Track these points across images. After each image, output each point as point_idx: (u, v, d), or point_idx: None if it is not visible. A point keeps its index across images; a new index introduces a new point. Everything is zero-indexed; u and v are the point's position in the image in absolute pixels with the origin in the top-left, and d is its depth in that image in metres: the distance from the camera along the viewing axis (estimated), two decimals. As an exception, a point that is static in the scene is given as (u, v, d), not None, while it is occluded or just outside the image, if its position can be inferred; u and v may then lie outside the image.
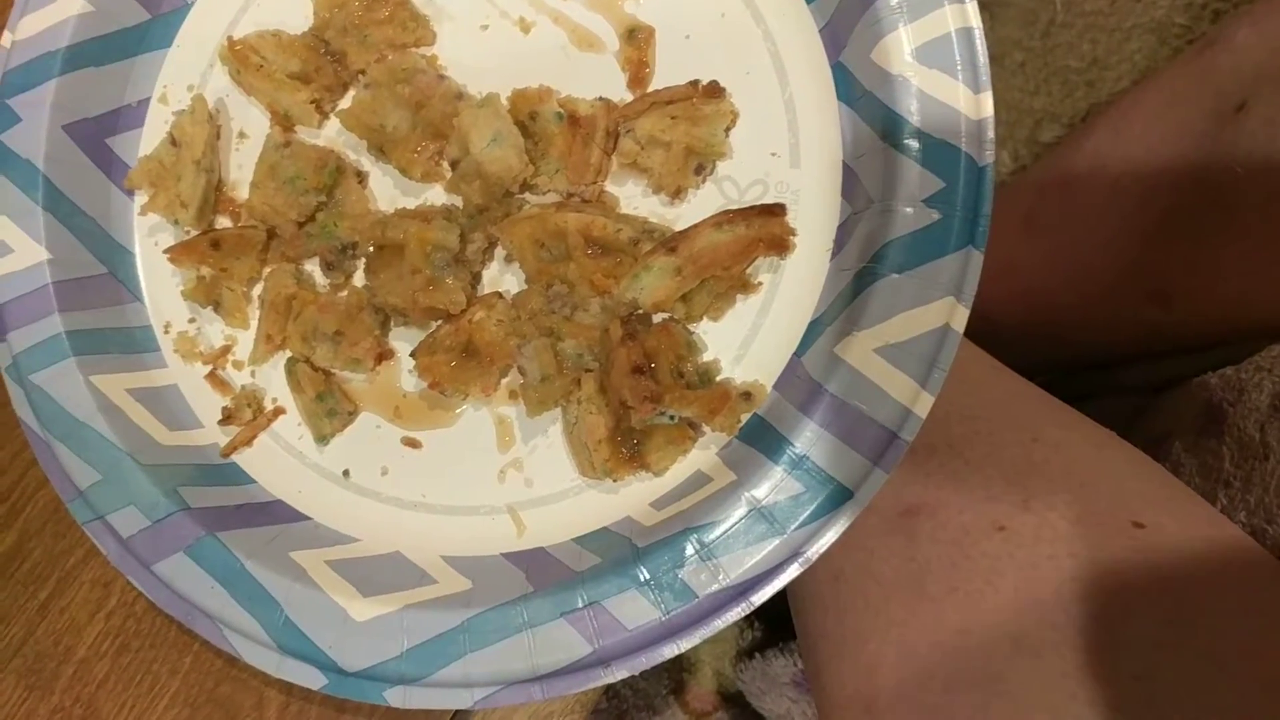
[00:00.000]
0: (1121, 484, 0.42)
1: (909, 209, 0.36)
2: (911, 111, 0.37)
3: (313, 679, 0.39)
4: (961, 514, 0.41)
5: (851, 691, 0.42)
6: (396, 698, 0.38)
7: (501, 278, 0.43)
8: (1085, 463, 0.43)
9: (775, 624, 0.66)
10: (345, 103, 0.45)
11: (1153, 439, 0.55)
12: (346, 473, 0.43)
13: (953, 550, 0.40)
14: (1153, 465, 0.44)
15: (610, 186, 0.42)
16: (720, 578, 0.36)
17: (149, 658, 0.46)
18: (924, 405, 0.36)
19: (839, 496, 0.36)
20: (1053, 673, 0.35)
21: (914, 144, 0.37)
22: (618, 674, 0.37)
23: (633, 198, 0.42)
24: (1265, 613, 0.37)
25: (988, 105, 0.36)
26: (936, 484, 0.43)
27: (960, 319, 0.36)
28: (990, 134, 0.36)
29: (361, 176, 0.44)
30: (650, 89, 0.42)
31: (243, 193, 0.45)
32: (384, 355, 0.43)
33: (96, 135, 0.45)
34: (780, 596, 0.50)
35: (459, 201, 0.43)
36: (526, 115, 0.41)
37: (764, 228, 0.39)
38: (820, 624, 0.45)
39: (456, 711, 0.43)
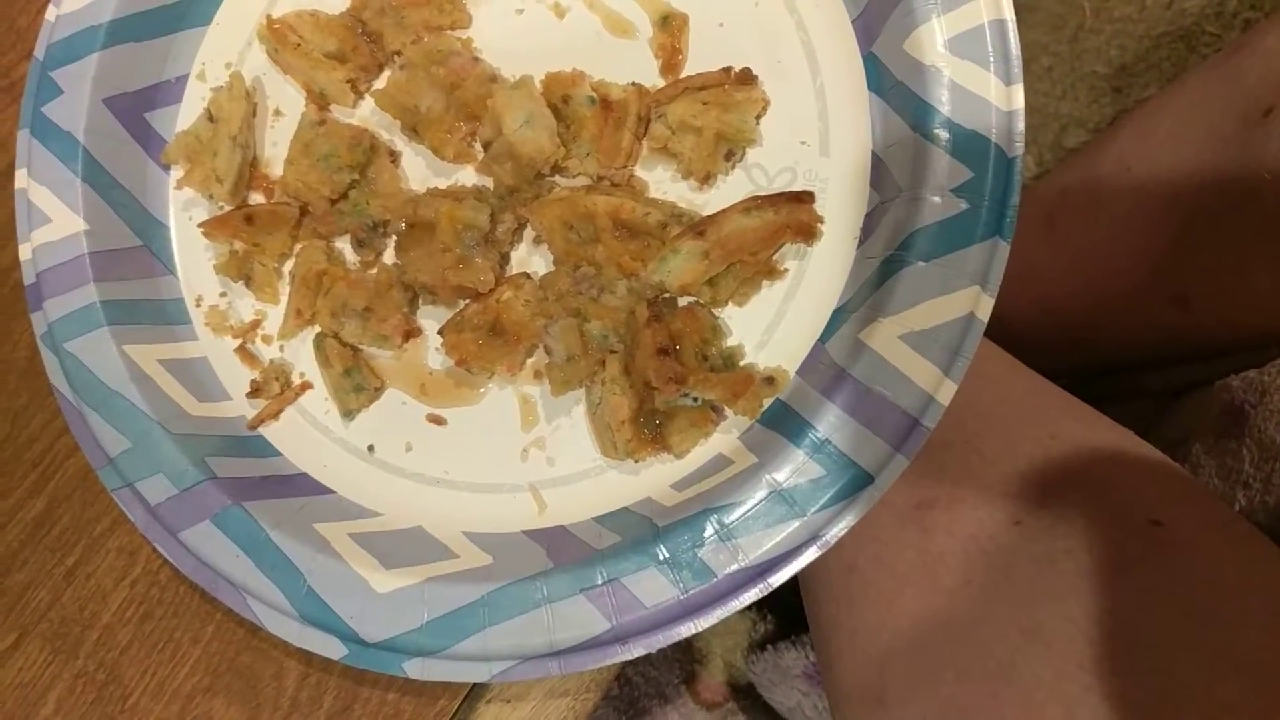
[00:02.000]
0: (1139, 482, 0.42)
1: (937, 198, 0.37)
2: (942, 102, 0.37)
3: (333, 649, 0.39)
4: (977, 508, 0.41)
5: (864, 682, 0.42)
6: (415, 669, 0.38)
7: (530, 258, 0.43)
8: (1103, 460, 0.43)
9: (787, 616, 0.67)
10: (380, 83, 0.46)
11: (1172, 441, 0.55)
12: (371, 448, 0.44)
13: (967, 544, 0.41)
14: (1171, 465, 0.44)
15: (640, 171, 0.42)
16: (739, 558, 0.36)
17: (171, 625, 0.46)
18: (947, 392, 0.36)
19: (860, 481, 0.36)
20: (1068, 665, 0.35)
21: (944, 134, 0.37)
22: (635, 651, 0.37)
23: (662, 182, 0.42)
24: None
25: (1019, 97, 0.37)
26: (953, 478, 0.43)
27: (985, 308, 0.36)
28: (1020, 126, 0.37)
29: (394, 156, 0.45)
30: (682, 75, 0.42)
31: (277, 169, 0.46)
32: (411, 332, 0.44)
33: (135, 109, 0.46)
34: (793, 589, 0.50)
35: (490, 182, 0.43)
36: (559, 98, 0.42)
37: (792, 214, 0.39)
38: (833, 615, 0.45)
39: (474, 685, 0.44)
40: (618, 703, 0.61)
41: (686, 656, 0.66)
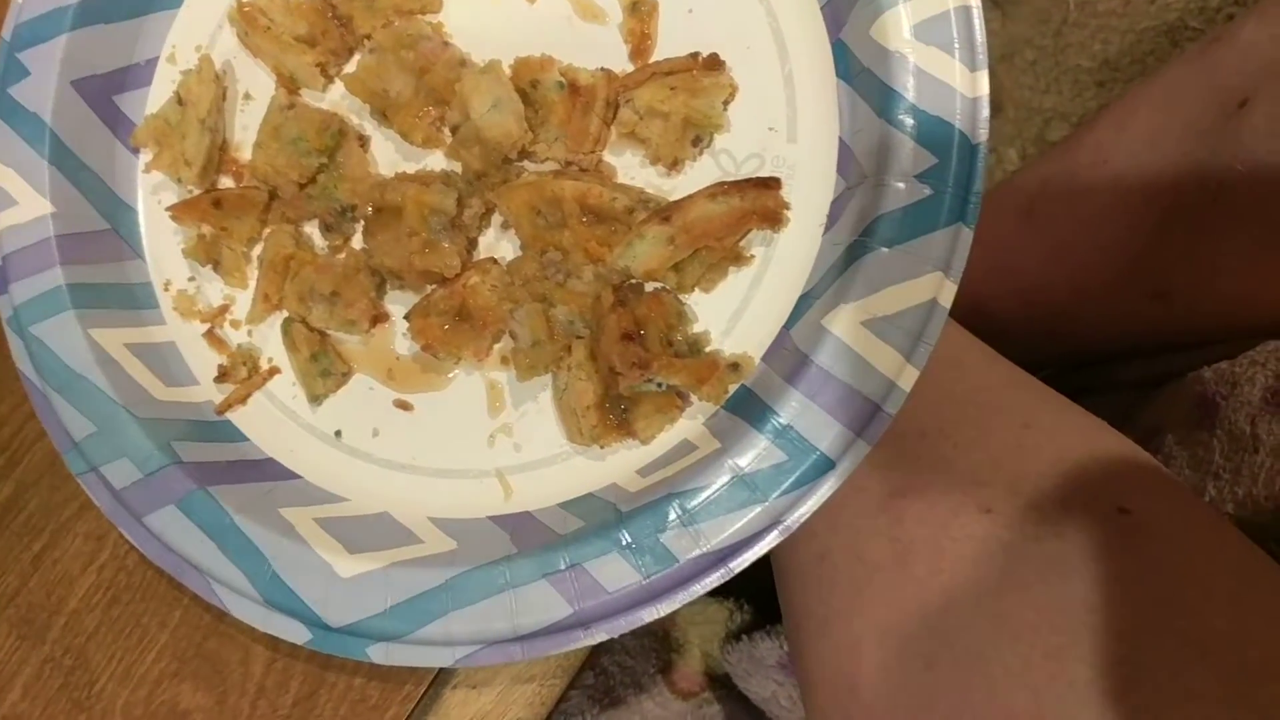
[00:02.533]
0: (1109, 471, 0.42)
1: (901, 184, 0.37)
2: (908, 88, 0.37)
3: (298, 633, 0.39)
4: (949, 496, 0.41)
5: (834, 670, 0.42)
6: (379, 654, 0.38)
7: (497, 243, 0.43)
8: (1074, 449, 0.43)
9: (763, 607, 0.67)
10: (350, 67, 0.45)
11: (1146, 432, 0.55)
12: (338, 433, 0.44)
13: (938, 532, 0.41)
14: (1141, 454, 0.44)
15: (608, 156, 0.42)
16: (701, 543, 0.36)
17: (139, 611, 0.46)
18: (908, 378, 0.36)
19: (821, 466, 0.36)
20: (1034, 653, 0.35)
21: (909, 120, 0.37)
22: (597, 636, 0.37)
23: (630, 168, 0.42)
24: (1249, 600, 0.37)
25: (983, 84, 0.37)
26: (925, 466, 0.43)
27: (948, 294, 0.36)
28: (985, 112, 0.37)
29: (363, 140, 0.45)
30: (651, 61, 0.42)
31: (246, 153, 0.46)
32: (379, 317, 0.44)
33: (104, 92, 0.46)
34: (768, 578, 0.50)
35: (458, 167, 0.43)
36: (528, 83, 0.42)
37: (758, 200, 0.39)
38: (804, 603, 0.45)
39: (439, 670, 0.44)
40: (593, 691, 0.61)
41: (663, 646, 0.66)
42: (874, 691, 0.39)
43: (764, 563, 0.38)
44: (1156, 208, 0.56)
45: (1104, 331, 0.65)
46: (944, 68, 0.37)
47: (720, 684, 0.66)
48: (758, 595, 0.67)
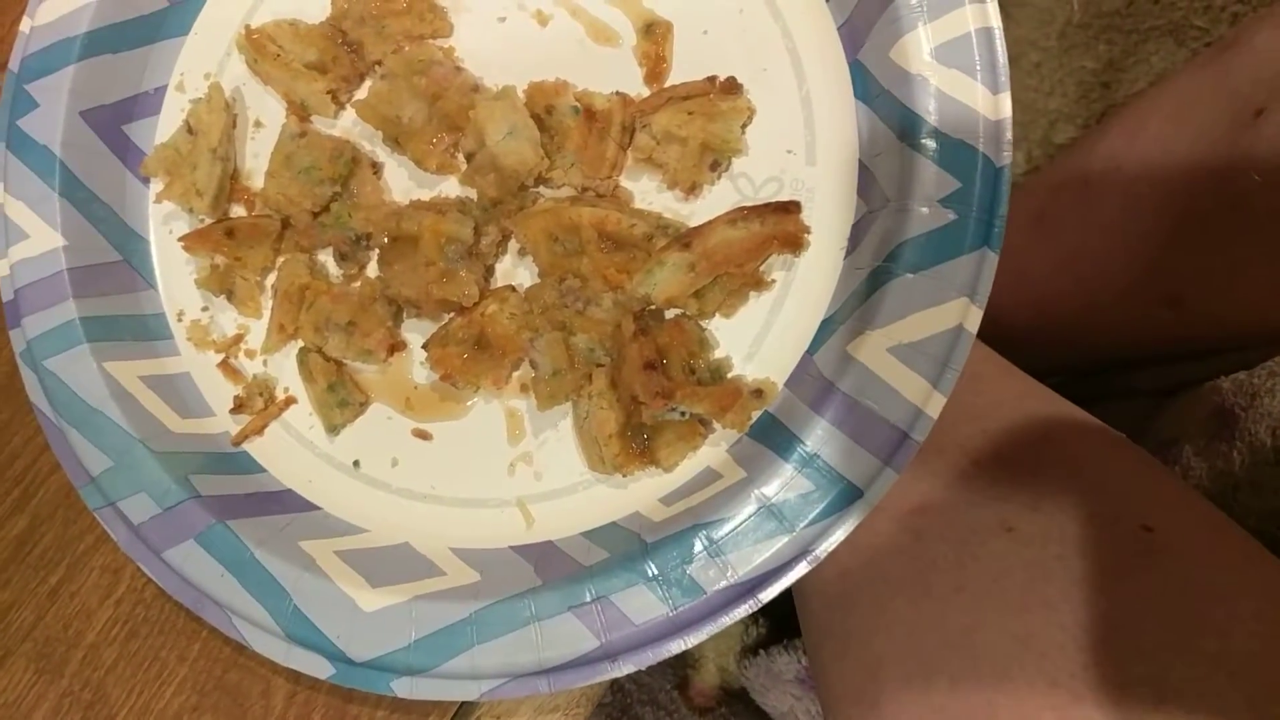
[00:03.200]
0: (1131, 487, 0.42)
1: (924, 209, 0.36)
2: (929, 111, 0.37)
3: (320, 668, 0.39)
4: (969, 513, 0.41)
5: (855, 689, 0.42)
6: (404, 688, 0.38)
7: (515, 271, 0.43)
8: (1095, 465, 0.43)
9: (780, 621, 0.67)
10: (362, 93, 0.45)
11: (1163, 442, 0.55)
12: (357, 463, 0.43)
13: (960, 550, 0.40)
14: (1162, 469, 0.44)
15: (625, 181, 0.42)
16: (729, 574, 0.36)
17: (157, 644, 0.46)
18: (936, 405, 0.35)
19: (849, 495, 0.36)
20: (1060, 673, 0.35)
21: (931, 144, 0.37)
22: (624, 668, 0.37)
23: (647, 193, 0.42)
24: (1275, 618, 0.37)
25: (1006, 106, 0.36)
26: (945, 484, 0.43)
27: (974, 320, 0.36)
28: (1008, 135, 0.36)
29: (376, 167, 0.44)
30: (667, 84, 0.42)
31: (258, 182, 0.45)
32: (396, 346, 0.43)
33: (113, 122, 0.46)
34: (786, 594, 0.50)
35: (473, 194, 0.43)
36: (542, 108, 0.41)
37: (778, 225, 0.39)
38: (826, 622, 0.45)
39: (462, 703, 0.43)
40: (610, 709, 0.61)
41: (679, 662, 0.66)
42: (896, 707, 0.39)
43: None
44: (1170, 215, 0.56)
45: (1116, 339, 0.65)
46: (966, 90, 0.36)
47: (737, 699, 0.65)
48: (773, 610, 0.66)
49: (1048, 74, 0.94)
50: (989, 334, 0.54)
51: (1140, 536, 0.38)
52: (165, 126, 0.46)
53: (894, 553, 0.42)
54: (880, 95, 0.38)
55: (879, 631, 0.41)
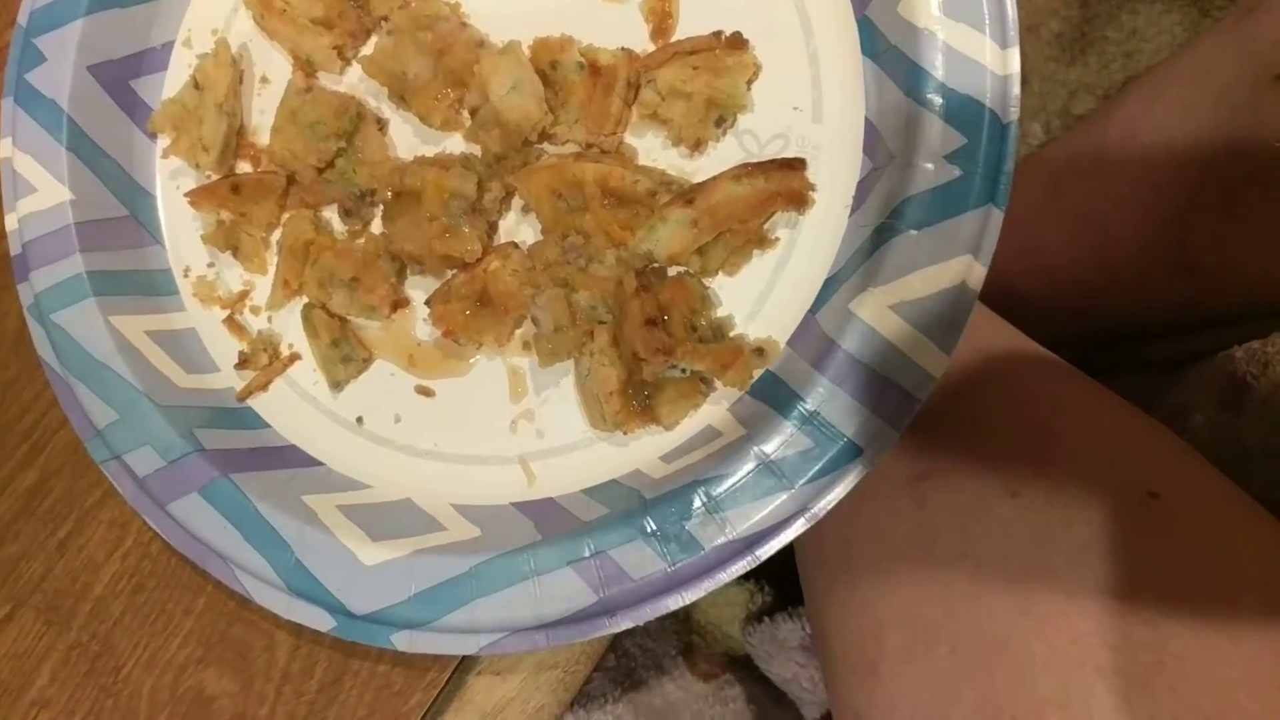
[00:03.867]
0: (1138, 454, 0.41)
1: (930, 165, 0.36)
2: (936, 66, 0.36)
3: (321, 621, 0.39)
4: (975, 479, 0.41)
5: (856, 652, 0.42)
6: (404, 641, 0.38)
7: (518, 228, 0.43)
8: (1102, 432, 0.42)
9: (785, 588, 0.67)
10: (367, 49, 0.45)
11: (1174, 412, 0.54)
12: (360, 419, 0.43)
13: (964, 515, 0.40)
14: (1170, 436, 0.43)
15: (630, 138, 0.42)
16: (727, 531, 0.36)
17: (163, 598, 0.47)
18: (938, 364, 0.35)
19: (849, 453, 0.36)
20: (1062, 639, 0.35)
21: (937, 99, 0.36)
22: (622, 624, 0.37)
23: (652, 149, 0.42)
24: None
25: (1014, 61, 0.36)
26: (951, 449, 0.43)
27: (978, 278, 0.35)
28: (1016, 90, 0.36)
29: (382, 124, 0.44)
30: (673, 40, 0.41)
31: (264, 138, 0.45)
32: (399, 303, 0.43)
33: (120, 77, 0.46)
34: (789, 560, 0.50)
35: (478, 150, 0.43)
36: (547, 64, 0.41)
37: (783, 182, 0.38)
38: (829, 587, 0.45)
39: (463, 657, 0.44)
40: (614, 674, 0.61)
41: (684, 628, 0.66)
42: (896, 674, 0.39)
43: (786, 545, 0.37)
44: (1186, 183, 0.55)
45: (1130, 309, 0.64)
46: (974, 45, 0.36)
47: (741, 666, 0.65)
48: (778, 577, 0.66)
49: (1068, 44, 0.92)
50: (1001, 304, 0.53)
51: (1147, 503, 0.38)
52: (172, 82, 0.46)
53: (897, 519, 0.42)
54: (887, 51, 0.38)
55: (880, 598, 0.41)
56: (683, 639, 0.65)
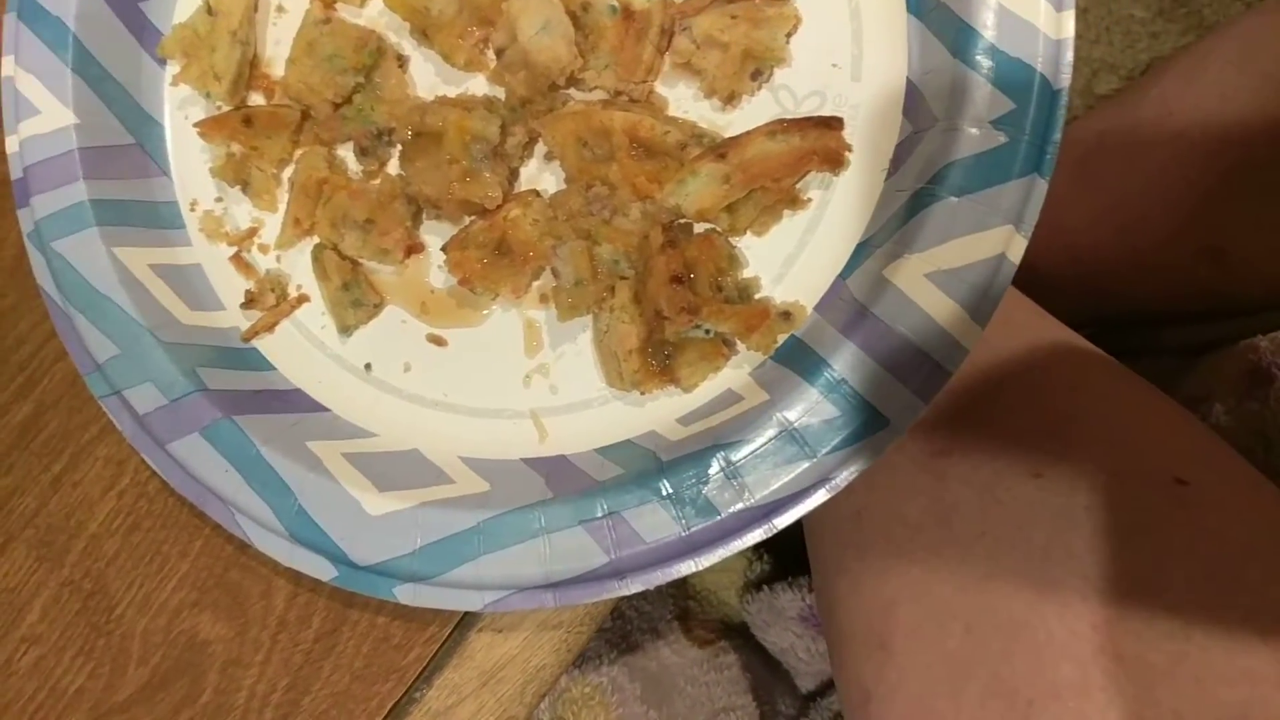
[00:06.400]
0: (1164, 439, 0.41)
1: (974, 130, 0.35)
2: (987, 25, 0.35)
3: (323, 570, 0.38)
4: (996, 458, 0.40)
5: (865, 627, 0.41)
6: (407, 594, 0.37)
7: (540, 175, 0.41)
8: (1127, 415, 0.42)
9: (784, 557, 0.66)
10: (390, -19, 0.43)
11: (1193, 399, 0.54)
12: (368, 366, 0.42)
13: (984, 494, 0.39)
14: (1196, 422, 0.42)
15: (661, 87, 0.40)
16: (745, 497, 0.35)
17: (159, 538, 0.46)
18: (972, 336, 0.34)
19: (874, 424, 0.35)
20: (1082, 624, 0.34)
21: (986, 61, 0.35)
22: (633, 587, 0.36)
23: (683, 100, 0.40)
24: None
25: (1069, 25, 0.34)
26: (972, 426, 0.42)
27: (1018, 249, 0.34)
28: (1069, 56, 0.34)
29: (402, 60, 0.43)
30: (710, -13, 0.40)
31: (278, 69, 0.44)
32: (414, 248, 0.42)
33: (130, -2, 0.44)
34: (789, 531, 0.49)
35: (502, 93, 0.41)
36: (579, 6, 0.39)
37: (819, 141, 0.37)
38: (839, 559, 0.44)
39: (465, 613, 0.43)
40: (610, 635, 0.61)
41: (681, 593, 0.66)
42: (907, 651, 0.38)
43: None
44: (1220, 164, 0.54)
45: (1154, 291, 0.63)
46: (1028, 6, 0.34)
47: (736, 633, 0.65)
48: (778, 547, 0.66)
49: (1094, 20, 0.91)
50: (1022, 279, 0.52)
51: (1173, 489, 0.37)
52: (184, 6, 0.45)
53: (914, 494, 0.41)
54: (935, 9, 0.36)
55: (894, 573, 0.40)
56: (679, 604, 0.64)
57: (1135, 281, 0.62)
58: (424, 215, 0.42)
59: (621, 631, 0.61)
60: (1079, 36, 0.90)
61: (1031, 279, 0.57)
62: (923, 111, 0.37)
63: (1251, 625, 0.33)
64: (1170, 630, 0.33)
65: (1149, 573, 0.35)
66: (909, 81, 0.38)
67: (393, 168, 0.42)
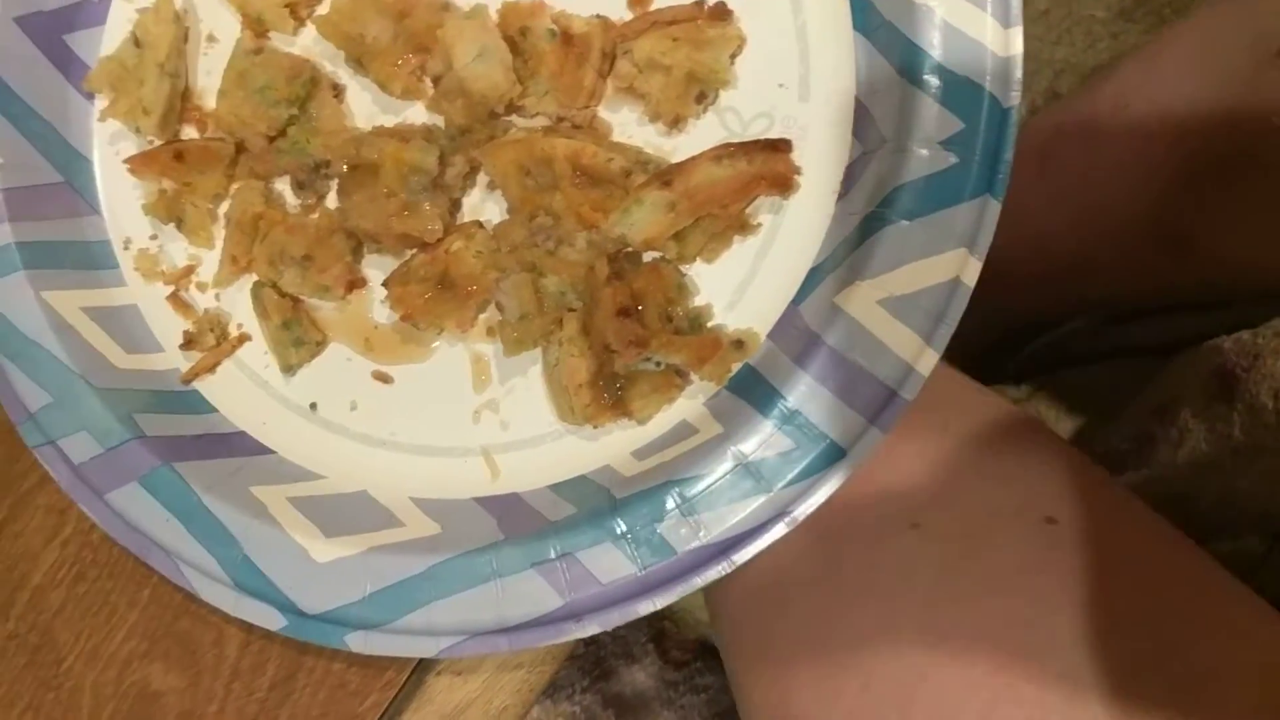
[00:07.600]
0: (1035, 477, 0.40)
1: (924, 151, 0.34)
2: (933, 44, 0.34)
3: (271, 620, 0.37)
4: (873, 510, 0.39)
5: (766, 692, 0.40)
6: (358, 643, 0.36)
7: (483, 206, 0.40)
8: (1003, 456, 0.41)
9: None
10: (323, 8, 0.41)
11: (1160, 404, 0.53)
12: (314, 405, 0.41)
13: (868, 548, 0.39)
14: (1074, 456, 0.41)
15: (604, 112, 0.39)
16: (701, 534, 0.34)
17: (106, 588, 0.44)
18: (927, 362, 0.33)
19: (831, 455, 0.34)
20: (975, 670, 0.34)
21: (934, 80, 0.34)
22: (589, 629, 0.35)
23: (627, 125, 0.39)
24: (1190, 608, 0.36)
25: (1017, 42, 0.34)
26: (850, 479, 0.41)
27: (972, 273, 0.34)
28: (1018, 73, 0.34)
29: (338, 90, 0.41)
30: (652, 8, 0.39)
31: (210, 101, 0.42)
32: (355, 283, 0.41)
33: (53, 31, 0.42)
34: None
35: (440, 121, 0.40)
36: (517, 31, 0.38)
37: (767, 164, 0.36)
38: (739, 634, 0.43)
39: (421, 659, 0.42)
40: (583, 662, 0.60)
41: (656, 615, 0.65)
42: (806, 711, 0.38)
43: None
44: (1178, 156, 0.54)
45: (1115, 283, 0.63)
46: (974, 23, 0.34)
47: (712, 654, 0.64)
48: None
49: (1055, 21, 0.91)
50: (985, 273, 0.51)
51: (1044, 529, 0.37)
52: (111, 38, 0.43)
53: (800, 554, 0.40)
54: (881, 27, 0.36)
55: (788, 634, 0.39)
56: (654, 625, 0.63)
57: (1098, 269, 0.62)
58: (364, 249, 0.41)
59: (595, 657, 0.60)
60: (1039, 39, 0.90)
61: (992, 272, 0.56)
62: (872, 132, 0.36)
63: (1127, 658, 0.33)
64: (1060, 671, 0.33)
65: (1034, 615, 0.35)
66: (858, 101, 0.37)
67: (331, 201, 0.41)
